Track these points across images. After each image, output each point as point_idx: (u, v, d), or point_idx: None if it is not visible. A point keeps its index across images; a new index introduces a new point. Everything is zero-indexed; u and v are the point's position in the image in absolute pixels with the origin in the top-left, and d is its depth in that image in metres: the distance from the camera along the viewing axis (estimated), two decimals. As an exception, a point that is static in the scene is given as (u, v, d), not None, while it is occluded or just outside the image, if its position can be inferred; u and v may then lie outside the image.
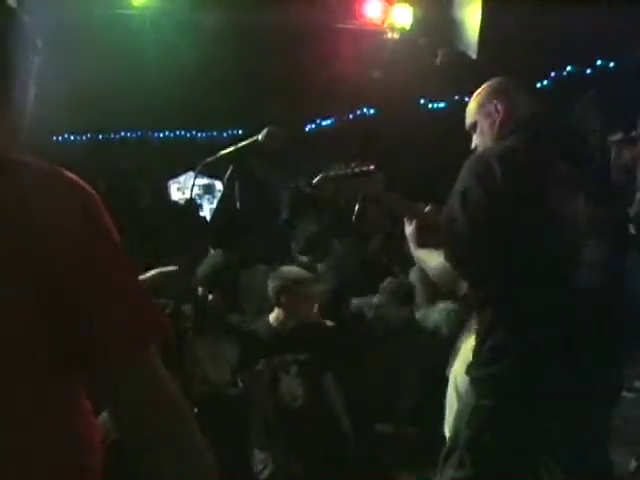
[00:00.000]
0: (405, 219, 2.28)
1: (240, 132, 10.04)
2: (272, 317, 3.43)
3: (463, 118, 2.33)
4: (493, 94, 2.22)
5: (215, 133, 11.35)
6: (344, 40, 5.63)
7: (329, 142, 9.85)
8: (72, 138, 11.10)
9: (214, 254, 3.52)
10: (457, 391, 2.62)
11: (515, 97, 2.21)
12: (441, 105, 10.08)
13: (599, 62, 8.08)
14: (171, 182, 10.77)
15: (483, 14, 4.84)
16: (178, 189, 10.92)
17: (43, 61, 1.20)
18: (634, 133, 6.12)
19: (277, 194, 8.09)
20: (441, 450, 2.17)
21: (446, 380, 2.81)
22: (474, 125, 2.25)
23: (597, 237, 1.98)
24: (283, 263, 4.28)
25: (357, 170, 2.20)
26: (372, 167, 2.20)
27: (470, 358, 2.09)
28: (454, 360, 2.80)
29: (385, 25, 5.27)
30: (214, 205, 10.22)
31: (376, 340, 3.95)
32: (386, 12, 5.22)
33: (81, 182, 1.04)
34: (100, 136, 11.17)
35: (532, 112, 2.18)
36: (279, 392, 3.29)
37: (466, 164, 2.01)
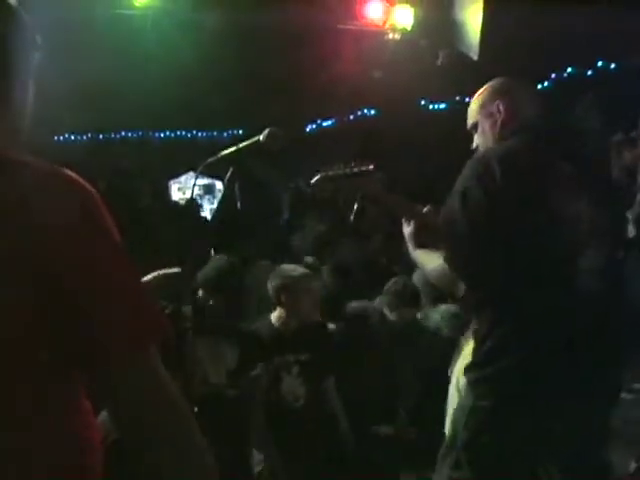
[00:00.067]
0: (404, 219, 2.28)
1: (241, 132, 10.05)
2: (274, 317, 3.42)
3: (464, 119, 2.33)
4: (495, 94, 2.21)
5: (216, 133, 11.35)
6: (345, 41, 5.63)
7: (330, 143, 9.85)
8: (73, 138, 11.10)
9: (218, 257, 3.50)
10: (459, 391, 2.62)
11: (517, 97, 2.20)
12: (442, 106, 10.09)
13: (600, 63, 8.08)
14: (172, 182, 10.77)
15: (484, 15, 4.84)
16: (179, 189, 10.92)
17: (44, 61, 1.20)
18: (634, 134, 6.12)
19: (277, 194, 8.09)
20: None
21: (446, 380, 2.80)
22: (475, 125, 2.25)
23: (597, 239, 1.98)
24: (284, 262, 4.27)
25: (356, 170, 2.20)
26: (371, 167, 2.20)
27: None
28: (456, 360, 2.80)
29: (386, 26, 5.27)
30: (214, 205, 10.22)
31: (377, 341, 3.94)
32: (387, 13, 5.22)
33: (81, 181, 1.04)
34: (101, 136, 11.17)
35: (535, 113, 2.18)
36: (281, 392, 3.29)
37: (467, 164, 2.01)
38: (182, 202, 9.48)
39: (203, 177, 8.99)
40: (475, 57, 4.94)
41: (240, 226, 6.16)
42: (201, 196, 10.09)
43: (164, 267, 2.38)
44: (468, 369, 2.07)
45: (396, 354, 3.88)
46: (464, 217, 1.93)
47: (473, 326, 2.13)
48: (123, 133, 11.26)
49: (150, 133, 11.41)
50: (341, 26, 5.34)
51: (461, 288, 2.26)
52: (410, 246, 2.26)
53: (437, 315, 3.98)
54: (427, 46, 5.47)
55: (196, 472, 1.06)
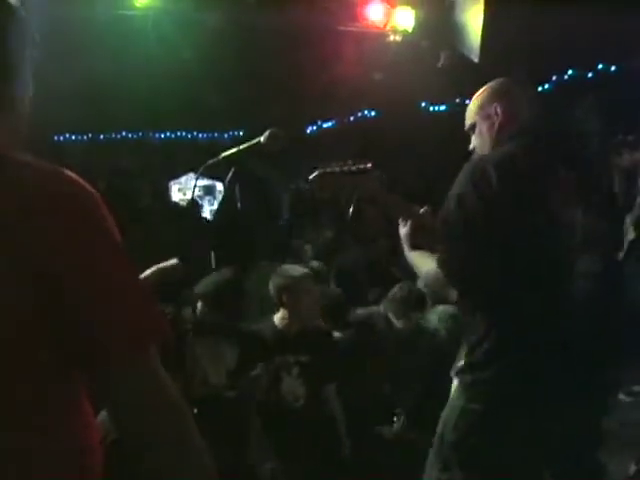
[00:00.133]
0: (400, 220, 2.28)
1: (241, 133, 10.07)
2: (277, 318, 3.43)
3: (464, 121, 2.33)
4: (493, 96, 2.20)
5: (216, 134, 11.37)
6: (346, 42, 5.64)
7: (330, 144, 9.86)
8: (73, 138, 11.12)
9: (218, 272, 3.48)
10: None
11: (516, 100, 2.19)
12: (442, 108, 10.10)
13: (600, 66, 8.09)
14: (172, 183, 10.77)
15: (485, 17, 4.84)
16: (179, 190, 10.92)
17: (45, 61, 1.20)
18: (634, 137, 6.12)
19: (278, 195, 8.10)
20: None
21: (446, 381, 2.80)
22: (473, 126, 2.24)
23: (593, 245, 1.98)
24: (284, 262, 4.27)
25: (354, 168, 2.19)
26: (369, 165, 2.19)
27: None
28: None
29: (387, 28, 5.27)
30: (214, 206, 10.22)
31: (383, 348, 3.94)
32: (388, 15, 5.22)
33: (81, 182, 1.04)
34: (101, 136, 11.19)
35: (533, 116, 2.17)
36: (281, 391, 3.29)
37: (463, 169, 2.00)
38: (182, 203, 9.48)
39: (203, 178, 9.00)
40: (476, 59, 4.93)
41: (240, 226, 6.16)
42: (201, 197, 10.09)
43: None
44: (462, 371, 2.07)
45: (401, 360, 3.88)
46: (460, 221, 1.93)
47: (467, 328, 2.12)
48: (123, 133, 11.28)
49: (150, 133, 11.43)
50: (342, 28, 5.33)
51: (454, 292, 2.26)
52: (405, 247, 2.25)
53: (435, 316, 3.97)
54: (428, 48, 5.47)
55: (195, 473, 1.06)
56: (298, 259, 5.21)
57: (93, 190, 1.04)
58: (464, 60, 5.07)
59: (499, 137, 2.14)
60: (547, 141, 2.10)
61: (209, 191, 10.67)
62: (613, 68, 8.06)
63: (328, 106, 9.43)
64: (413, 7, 5.28)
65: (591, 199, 2.02)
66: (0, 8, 1.07)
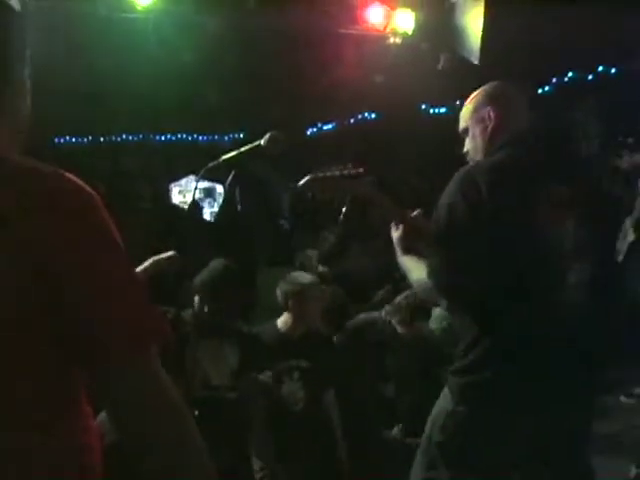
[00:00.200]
0: (392, 224, 2.26)
1: (241, 136, 10.07)
2: (280, 321, 3.45)
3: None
4: (487, 99, 2.18)
5: (216, 136, 11.38)
6: (346, 45, 5.64)
7: (330, 146, 9.87)
8: (74, 140, 11.13)
9: (215, 261, 3.48)
10: None
11: (510, 104, 2.17)
12: (442, 110, 10.10)
13: (600, 68, 8.09)
14: (172, 185, 10.78)
15: (485, 20, 4.84)
16: (179, 192, 10.92)
17: (46, 64, 1.21)
18: (634, 139, 6.13)
19: (278, 197, 8.11)
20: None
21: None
22: (466, 129, 2.24)
23: (584, 254, 1.98)
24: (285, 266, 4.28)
25: (346, 172, 2.18)
26: (361, 170, 2.19)
27: None
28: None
29: (387, 30, 5.26)
30: (215, 209, 10.23)
31: (385, 352, 3.94)
32: (388, 17, 5.22)
33: (81, 183, 1.04)
34: (102, 138, 11.20)
35: (527, 123, 2.15)
36: (281, 394, 3.30)
37: (453, 179, 1.99)
38: (183, 205, 9.49)
39: (204, 180, 9.01)
40: (476, 61, 4.93)
41: (240, 228, 6.17)
42: (202, 199, 10.09)
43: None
44: (452, 373, 2.07)
45: (404, 363, 3.88)
46: (449, 231, 1.93)
47: (459, 332, 2.13)
48: (124, 136, 11.28)
49: (151, 136, 11.43)
50: (342, 30, 5.33)
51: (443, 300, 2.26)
52: (398, 251, 2.24)
53: (431, 318, 3.98)
54: (428, 50, 5.47)
55: (195, 473, 1.06)
56: (303, 266, 5.20)
57: (93, 192, 1.04)
58: (464, 62, 5.07)
59: (492, 141, 2.13)
60: (540, 151, 2.09)
61: (209, 193, 10.67)
62: (613, 70, 8.06)
63: (328, 108, 9.44)
64: (413, 9, 5.28)
65: (581, 211, 2.01)
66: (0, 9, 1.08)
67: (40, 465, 1.01)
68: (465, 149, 2.25)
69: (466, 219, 1.90)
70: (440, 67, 5.37)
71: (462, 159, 2.26)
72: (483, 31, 4.86)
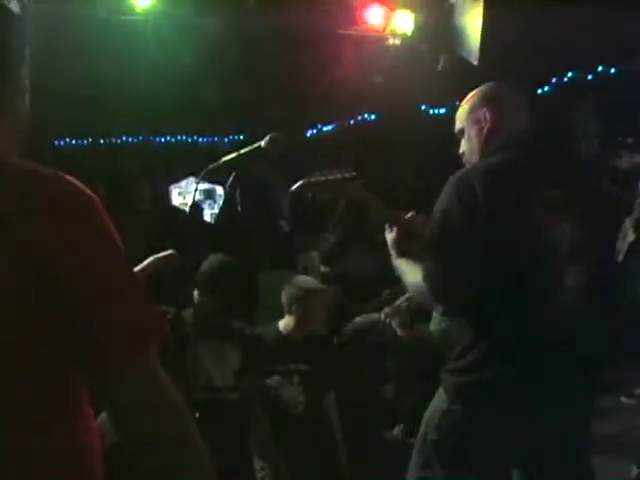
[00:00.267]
0: (386, 226, 2.24)
1: (241, 137, 10.07)
2: (282, 323, 3.45)
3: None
4: (483, 100, 2.18)
5: (216, 138, 11.37)
6: (345, 46, 5.64)
7: (330, 147, 9.88)
8: (74, 142, 11.13)
9: (213, 256, 3.47)
10: None
11: (506, 105, 2.16)
12: (442, 111, 10.09)
13: (600, 68, 8.09)
14: (172, 187, 10.78)
15: (484, 20, 4.84)
16: (179, 194, 10.93)
17: (46, 66, 1.21)
18: (633, 139, 6.13)
19: (278, 198, 8.11)
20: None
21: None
22: (462, 131, 2.23)
23: (580, 257, 1.98)
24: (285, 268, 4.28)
25: (338, 176, 2.18)
26: (353, 173, 2.18)
27: None
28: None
29: (386, 31, 5.27)
30: (215, 210, 10.24)
31: (379, 353, 3.94)
32: (388, 18, 5.22)
33: (81, 186, 1.04)
34: (101, 140, 11.19)
35: (523, 125, 2.14)
36: (281, 397, 3.30)
37: (448, 182, 1.99)
38: (183, 207, 9.49)
39: (204, 182, 9.01)
40: (475, 62, 4.94)
41: (240, 229, 6.17)
42: (202, 201, 10.10)
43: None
44: (449, 372, 2.07)
45: (404, 366, 3.89)
46: (445, 235, 1.93)
47: (455, 333, 2.13)
48: (124, 138, 11.28)
49: (151, 137, 11.43)
50: (342, 31, 5.34)
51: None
52: (393, 254, 2.22)
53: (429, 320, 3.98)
54: (427, 51, 5.47)
55: (195, 474, 1.06)
56: (306, 269, 5.20)
57: (93, 194, 1.05)
58: (464, 63, 5.07)
59: (488, 143, 2.12)
60: (537, 152, 2.09)
61: (209, 195, 10.68)
62: (613, 70, 8.06)
63: (328, 110, 9.43)
64: (412, 10, 5.28)
65: (577, 213, 2.01)
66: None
67: (40, 466, 1.01)
68: (461, 150, 2.24)
69: (461, 222, 1.89)
70: (440, 68, 5.37)
71: (461, 160, 2.26)
72: (482, 32, 4.86)
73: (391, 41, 5.36)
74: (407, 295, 4.03)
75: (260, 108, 8.25)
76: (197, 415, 2.35)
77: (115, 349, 1.02)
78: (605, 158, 6.37)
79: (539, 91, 8.41)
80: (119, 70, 6.28)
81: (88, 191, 1.04)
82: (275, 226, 7.45)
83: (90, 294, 1.00)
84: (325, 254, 5.51)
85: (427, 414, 2.13)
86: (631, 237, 4.89)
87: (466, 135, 2.20)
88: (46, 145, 9.18)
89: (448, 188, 1.97)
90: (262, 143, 2.46)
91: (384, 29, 5.27)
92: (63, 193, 1.02)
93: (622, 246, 4.72)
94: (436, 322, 3.91)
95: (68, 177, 1.04)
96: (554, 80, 8.51)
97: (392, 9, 5.23)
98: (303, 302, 3.40)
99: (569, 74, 8.37)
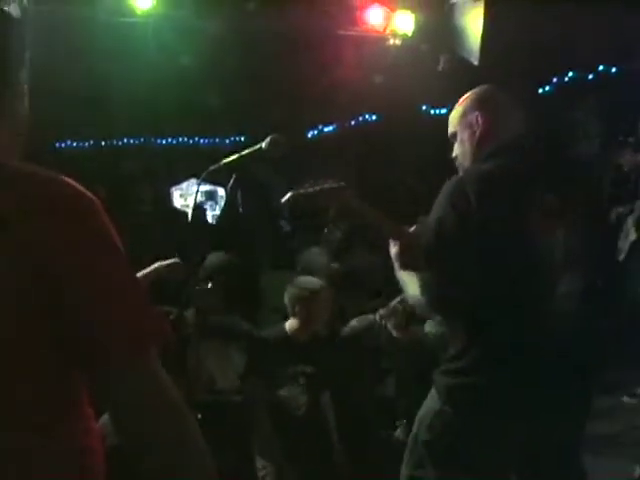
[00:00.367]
0: (390, 240, 2.21)
1: (242, 139, 10.07)
2: (288, 325, 3.46)
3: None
4: (476, 104, 2.17)
5: (217, 140, 11.37)
6: (346, 46, 5.65)
7: (331, 148, 9.87)
8: (74, 144, 11.13)
9: (214, 254, 3.47)
10: None
11: (499, 109, 2.15)
12: (443, 111, 10.08)
13: (601, 68, 8.08)
14: (173, 188, 10.78)
15: (485, 20, 4.84)
16: (180, 195, 10.93)
17: (46, 68, 1.21)
18: (634, 139, 6.12)
19: (279, 199, 8.10)
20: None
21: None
22: (455, 134, 2.22)
23: (573, 267, 1.99)
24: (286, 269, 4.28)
25: (327, 186, 2.17)
26: (342, 183, 2.17)
27: None
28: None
29: (387, 32, 5.27)
30: (216, 212, 10.24)
31: (381, 356, 3.94)
32: (388, 19, 5.22)
33: (81, 188, 1.05)
34: (102, 142, 11.19)
35: (517, 131, 2.13)
36: (284, 399, 3.31)
37: (442, 190, 1.98)
38: (184, 208, 9.50)
39: (205, 184, 8.99)
40: (476, 62, 4.94)
41: (242, 230, 6.18)
42: (203, 202, 10.10)
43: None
44: (443, 374, 2.08)
45: (400, 367, 3.88)
46: (439, 243, 1.93)
47: (450, 335, 2.13)
48: (125, 139, 11.27)
49: (152, 139, 11.42)
50: (342, 32, 5.34)
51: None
52: (396, 266, 2.21)
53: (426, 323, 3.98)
54: (428, 51, 5.48)
55: (196, 474, 1.06)
56: (308, 266, 5.18)
57: (93, 197, 1.05)
58: (464, 63, 5.07)
59: (480, 147, 2.11)
60: (532, 156, 2.09)
61: (211, 196, 10.68)
62: (614, 70, 8.04)
63: (329, 110, 9.42)
64: (413, 11, 5.28)
65: (577, 215, 2.01)
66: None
67: (40, 467, 1.01)
68: (454, 154, 2.23)
69: (456, 230, 1.90)
70: (440, 68, 5.38)
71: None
72: (483, 32, 4.86)
73: (391, 41, 5.36)
74: (401, 296, 4.04)
75: (261, 110, 8.25)
76: (199, 416, 2.36)
77: (115, 349, 1.02)
78: (606, 158, 6.37)
79: (540, 91, 8.40)
80: (120, 72, 6.28)
81: (88, 194, 1.05)
82: (276, 227, 7.45)
83: (90, 294, 1.01)
84: (333, 250, 5.49)
85: (420, 414, 2.14)
86: (633, 236, 4.89)
87: (459, 139, 2.20)
88: (47, 147, 9.18)
89: (443, 195, 1.97)
90: (263, 144, 2.46)
91: (384, 29, 5.27)
92: (63, 195, 1.02)
93: (624, 245, 4.72)
94: (431, 324, 3.91)
95: (68, 180, 1.04)
96: (555, 80, 8.49)
97: (392, 9, 5.23)
98: (307, 303, 3.40)
99: (570, 74, 8.35)
